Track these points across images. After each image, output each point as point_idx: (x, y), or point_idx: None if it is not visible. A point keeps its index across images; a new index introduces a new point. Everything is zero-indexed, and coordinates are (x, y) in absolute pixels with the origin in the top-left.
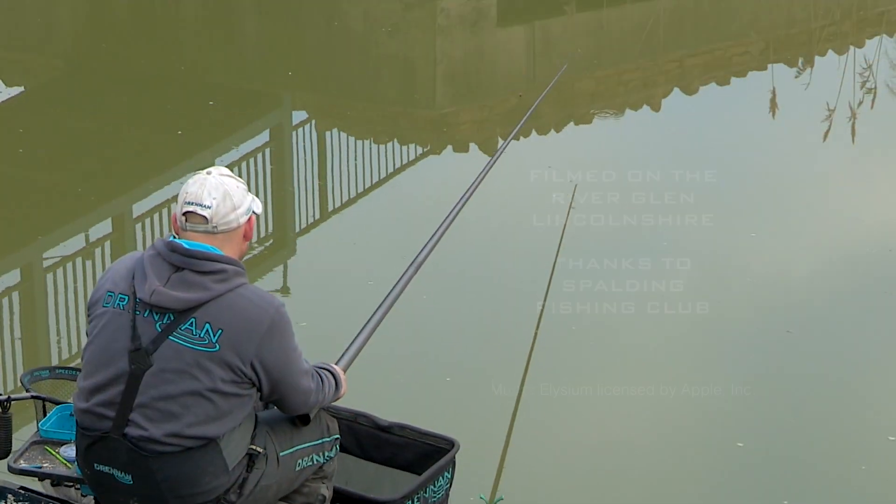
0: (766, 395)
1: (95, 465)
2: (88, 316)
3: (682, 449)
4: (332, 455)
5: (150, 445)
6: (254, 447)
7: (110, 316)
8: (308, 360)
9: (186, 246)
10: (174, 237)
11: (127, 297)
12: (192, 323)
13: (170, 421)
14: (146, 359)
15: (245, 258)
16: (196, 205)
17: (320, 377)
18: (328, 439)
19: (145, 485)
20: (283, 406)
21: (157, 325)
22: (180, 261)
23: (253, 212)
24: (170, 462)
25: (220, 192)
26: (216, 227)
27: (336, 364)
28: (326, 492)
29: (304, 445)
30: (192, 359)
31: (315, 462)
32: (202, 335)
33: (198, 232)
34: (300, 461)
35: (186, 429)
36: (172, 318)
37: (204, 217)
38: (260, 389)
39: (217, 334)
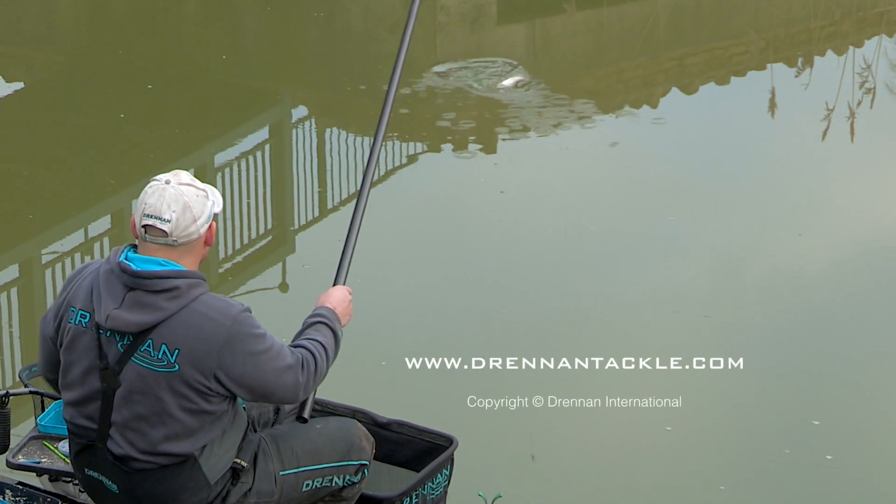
0: (770, 394)
1: (86, 469)
2: (57, 320)
3: (683, 448)
4: (354, 480)
5: (130, 462)
6: (238, 461)
7: (74, 332)
8: (287, 346)
9: (134, 268)
10: (130, 251)
11: (88, 315)
12: (149, 345)
13: (144, 440)
14: (114, 378)
15: (244, 255)
16: (155, 218)
17: (304, 359)
18: (353, 463)
19: (129, 497)
20: (273, 397)
21: (119, 345)
22: (131, 282)
23: (214, 214)
24: (149, 479)
25: (180, 205)
26: (176, 240)
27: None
28: None
29: (316, 467)
30: (154, 380)
31: (333, 484)
32: (160, 356)
33: (157, 244)
34: (308, 482)
35: (159, 446)
36: (131, 340)
37: (164, 231)
38: (237, 397)
39: (174, 354)
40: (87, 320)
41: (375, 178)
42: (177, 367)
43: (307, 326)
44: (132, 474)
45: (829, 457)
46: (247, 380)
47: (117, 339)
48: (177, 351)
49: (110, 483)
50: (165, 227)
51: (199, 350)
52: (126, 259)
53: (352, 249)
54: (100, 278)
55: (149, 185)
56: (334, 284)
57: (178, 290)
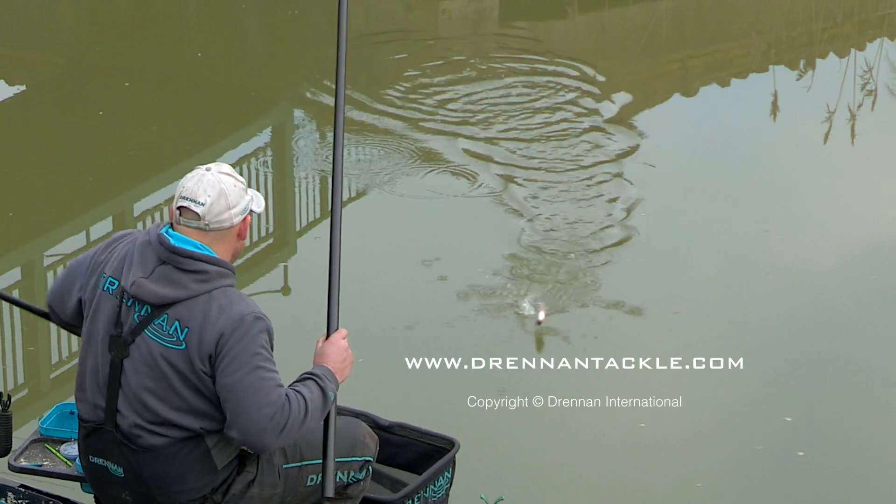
0: (771, 394)
1: (91, 457)
2: (89, 277)
3: (684, 449)
4: (359, 477)
5: (139, 438)
6: (244, 448)
7: (99, 298)
8: (283, 388)
9: (173, 242)
10: (170, 228)
11: (116, 283)
12: (164, 319)
13: (150, 412)
14: (124, 348)
15: (246, 257)
16: (190, 200)
17: (282, 406)
18: (357, 459)
19: (135, 479)
20: (238, 419)
21: (136, 315)
22: (166, 255)
23: (251, 211)
24: (157, 458)
25: (216, 191)
26: (208, 224)
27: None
28: None
29: (320, 461)
30: (160, 354)
31: (338, 480)
32: (171, 332)
33: (190, 227)
34: (313, 477)
35: (166, 416)
36: (149, 312)
37: (196, 214)
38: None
39: (184, 332)
40: (114, 287)
41: (376, 179)
42: (184, 345)
43: (299, 381)
44: (140, 453)
45: (800, 453)
46: (229, 373)
47: (137, 308)
48: (187, 329)
49: (115, 468)
50: (199, 209)
51: (205, 333)
52: (167, 233)
53: (337, 291)
54: (136, 248)
55: (190, 172)
56: (327, 334)
57: (208, 274)
